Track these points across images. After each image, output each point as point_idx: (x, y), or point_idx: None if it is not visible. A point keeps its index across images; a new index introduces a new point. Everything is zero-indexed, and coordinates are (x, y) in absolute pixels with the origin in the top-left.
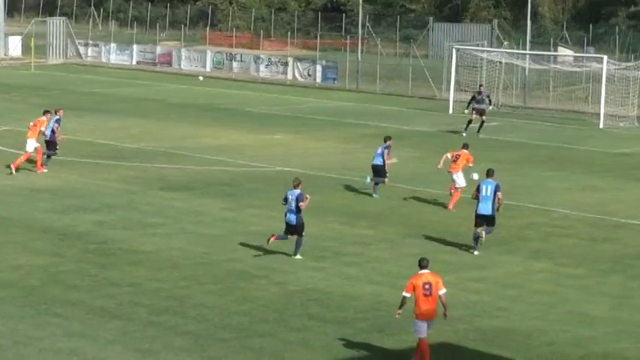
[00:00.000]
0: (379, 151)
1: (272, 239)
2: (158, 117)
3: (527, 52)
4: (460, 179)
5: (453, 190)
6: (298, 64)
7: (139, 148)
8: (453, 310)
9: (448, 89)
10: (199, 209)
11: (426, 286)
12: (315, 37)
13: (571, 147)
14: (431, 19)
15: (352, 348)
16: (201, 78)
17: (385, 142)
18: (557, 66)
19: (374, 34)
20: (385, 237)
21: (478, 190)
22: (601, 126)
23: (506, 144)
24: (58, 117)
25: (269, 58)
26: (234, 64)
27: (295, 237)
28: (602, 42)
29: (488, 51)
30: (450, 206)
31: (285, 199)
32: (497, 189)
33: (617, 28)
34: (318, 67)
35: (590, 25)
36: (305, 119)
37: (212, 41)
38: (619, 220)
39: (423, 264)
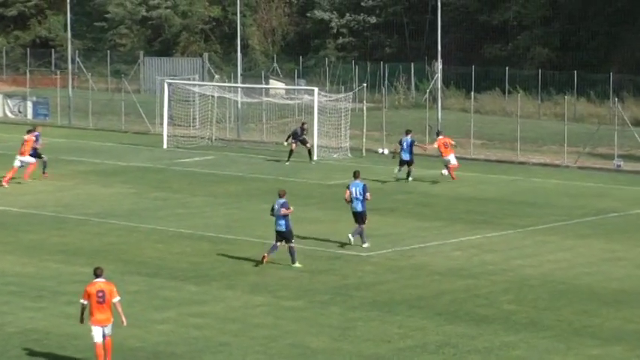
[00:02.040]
0: (358, 191)
1: (265, 258)
2: None
3: (239, 85)
4: (453, 159)
5: (449, 171)
6: (8, 100)
7: None
8: (174, 346)
9: (162, 124)
10: None
11: (100, 294)
12: (25, 73)
13: (287, 179)
14: (141, 53)
15: None
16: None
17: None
18: (270, 99)
19: (84, 70)
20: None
21: (348, 192)
22: (314, 158)
23: (223, 178)
24: (37, 133)
25: None
26: None
27: (286, 245)
28: (313, 74)
29: (199, 85)
30: (453, 176)
31: (273, 209)
32: (364, 189)
33: (326, 60)
34: (29, 104)
35: (301, 58)
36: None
37: None
38: (335, 251)
39: (97, 272)
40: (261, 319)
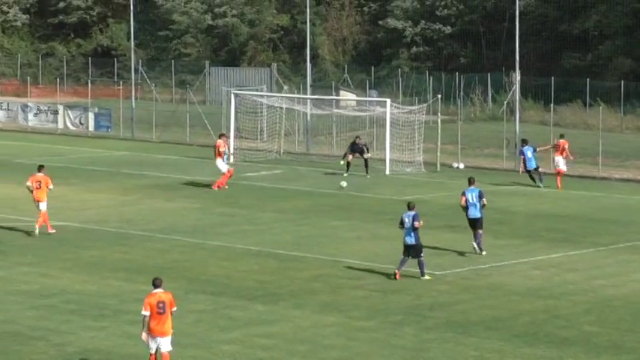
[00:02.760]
0: (474, 196)
1: (397, 275)
2: None
3: (308, 96)
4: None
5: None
6: (69, 112)
7: None
8: None
9: (228, 136)
10: None
11: (160, 305)
12: (87, 84)
13: (359, 194)
14: (207, 62)
15: None
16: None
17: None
18: (340, 110)
19: (148, 80)
20: None
21: (464, 198)
22: (387, 172)
23: (291, 193)
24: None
25: (38, 107)
26: (1, 113)
27: (414, 259)
28: (385, 85)
29: (267, 96)
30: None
31: (402, 223)
32: (481, 195)
33: (399, 70)
34: (91, 115)
35: (372, 68)
36: (79, 170)
37: None
38: (409, 269)
39: (156, 283)
40: (331, 340)
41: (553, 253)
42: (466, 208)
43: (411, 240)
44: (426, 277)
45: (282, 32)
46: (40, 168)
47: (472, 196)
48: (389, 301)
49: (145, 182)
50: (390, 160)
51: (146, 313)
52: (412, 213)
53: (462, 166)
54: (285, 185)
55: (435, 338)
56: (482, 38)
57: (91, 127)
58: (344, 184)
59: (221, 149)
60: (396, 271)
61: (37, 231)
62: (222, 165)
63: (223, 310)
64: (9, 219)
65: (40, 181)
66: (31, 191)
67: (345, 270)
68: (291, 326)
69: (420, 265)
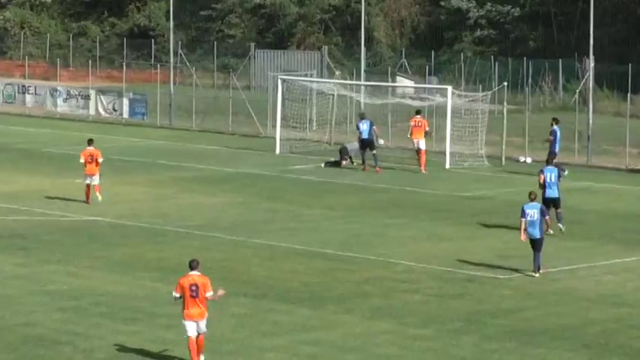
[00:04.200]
0: (553, 176)
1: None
2: None
3: (362, 82)
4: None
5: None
6: (102, 97)
7: None
8: None
9: (274, 125)
10: None
11: (193, 288)
12: (121, 67)
13: (414, 190)
14: (252, 45)
15: None
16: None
17: (549, 164)
18: (397, 99)
19: (188, 63)
20: None
21: (542, 177)
22: (447, 166)
23: (342, 187)
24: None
25: (68, 91)
26: (28, 98)
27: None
28: (447, 71)
29: (317, 82)
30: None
31: (523, 214)
32: (559, 174)
33: (462, 55)
34: (125, 101)
35: (432, 52)
36: (111, 161)
37: (1, 71)
38: (470, 272)
39: (192, 265)
40: (383, 348)
41: (628, 257)
42: (544, 187)
43: (536, 233)
44: (538, 274)
45: (335, 12)
46: (90, 142)
47: (551, 175)
48: (447, 307)
49: (182, 174)
50: (450, 152)
51: (177, 295)
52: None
53: (529, 160)
54: (335, 179)
55: (498, 348)
56: (554, 21)
57: (126, 114)
58: (382, 142)
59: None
60: (536, 271)
61: (99, 197)
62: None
63: (266, 314)
64: (33, 212)
65: (92, 155)
66: (84, 166)
67: (399, 273)
68: (340, 333)
69: (538, 259)
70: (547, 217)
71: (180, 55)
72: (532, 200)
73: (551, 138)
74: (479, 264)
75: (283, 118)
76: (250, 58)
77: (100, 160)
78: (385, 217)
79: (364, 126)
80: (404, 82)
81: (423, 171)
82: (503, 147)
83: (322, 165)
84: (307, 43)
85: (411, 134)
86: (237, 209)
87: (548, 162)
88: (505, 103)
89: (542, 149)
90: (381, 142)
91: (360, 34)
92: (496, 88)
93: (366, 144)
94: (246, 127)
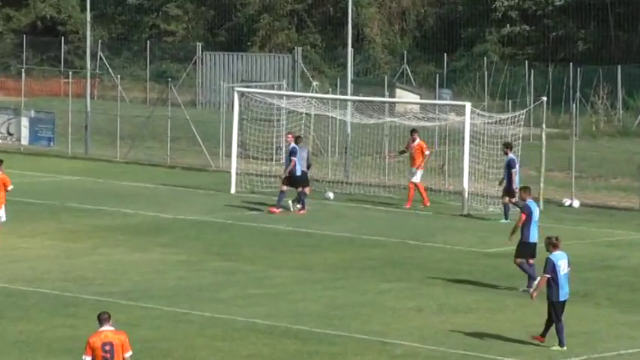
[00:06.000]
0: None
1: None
2: None
3: (349, 97)
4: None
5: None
6: None
7: None
8: None
9: (228, 155)
10: None
11: (107, 348)
12: (19, 74)
13: (419, 244)
14: (199, 46)
15: None
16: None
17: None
18: (395, 119)
19: (111, 70)
20: None
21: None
22: (464, 211)
23: (321, 240)
24: None
25: None
26: None
27: None
28: (464, 82)
29: (288, 96)
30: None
31: (553, 267)
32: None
33: (485, 59)
34: (25, 121)
35: (445, 56)
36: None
37: None
38: (496, 358)
39: (102, 318)
40: None
41: None
42: (527, 229)
43: (567, 291)
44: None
45: (311, 1)
46: None
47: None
48: None
49: (103, 222)
50: (468, 192)
51: (87, 358)
52: (566, 254)
53: (576, 203)
54: (311, 228)
55: None
56: (610, 14)
57: (25, 140)
58: (330, 195)
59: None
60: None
61: None
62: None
63: None
64: None
65: None
66: None
67: (399, 358)
68: None
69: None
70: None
71: (101, 58)
72: (555, 247)
73: (514, 171)
74: (508, 346)
75: (241, 145)
76: (196, 63)
77: (10, 188)
78: (380, 280)
79: (303, 155)
80: (406, 97)
81: (427, 203)
82: (541, 185)
83: (292, 207)
84: (274, 44)
85: (415, 162)
86: (178, 270)
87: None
88: (544, 126)
89: (593, 189)
90: (330, 195)
91: (347, 30)
92: (531, 106)
93: (300, 181)
94: (191, 157)
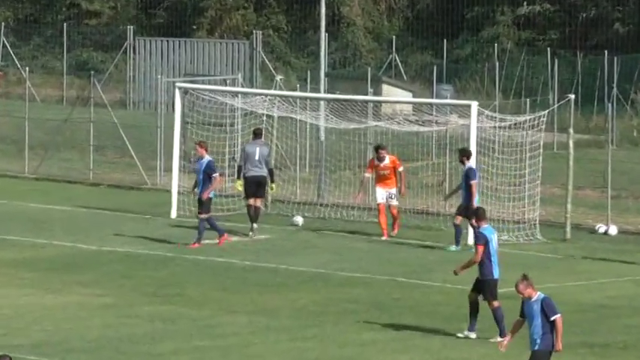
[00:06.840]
0: None
1: None
2: None
3: (322, 95)
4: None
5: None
6: None
7: None
8: None
9: (168, 170)
10: None
11: None
12: None
13: (411, 281)
14: (130, 30)
15: None
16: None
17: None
18: (381, 123)
19: (17, 62)
20: None
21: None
22: (470, 240)
23: (287, 277)
24: None
25: None
26: None
27: None
28: (468, 75)
29: (244, 93)
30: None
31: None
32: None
33: (495, 47)
34: None
35: (444, 42)
36: None
37: None
38: None
39: None
40: None
41: None
42: (490, 264)
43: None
44: None
45: None
46: None
47: (495, 241)
48: None
49: (6, 255)
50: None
51: None
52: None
53: (613, 230)
54: (276, 262)
55: None
56: None
57: None
58: (299, 220)
59: None
60: None
61: None
62: None
63: None
64: None
65: None
66: None
67: None
68: None
69: None
70: None
71: (4, 46)
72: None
73: (474, 183)
74: None
75: (184, 157)
76: (127, 52)
77: None
78: (363, 328)
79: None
80: (395, 94)
81: (394, 232)
82: (568, 207)
83: (251, 233)
84: (227, 27)
85: (379, 181)
86: (103, 316)
87: (479, 217)
88: (571, 131)
89: (635, 211)
90: (299, 220)
91: (319, 10)
92: (555, 105)
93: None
94: (120, 172)
